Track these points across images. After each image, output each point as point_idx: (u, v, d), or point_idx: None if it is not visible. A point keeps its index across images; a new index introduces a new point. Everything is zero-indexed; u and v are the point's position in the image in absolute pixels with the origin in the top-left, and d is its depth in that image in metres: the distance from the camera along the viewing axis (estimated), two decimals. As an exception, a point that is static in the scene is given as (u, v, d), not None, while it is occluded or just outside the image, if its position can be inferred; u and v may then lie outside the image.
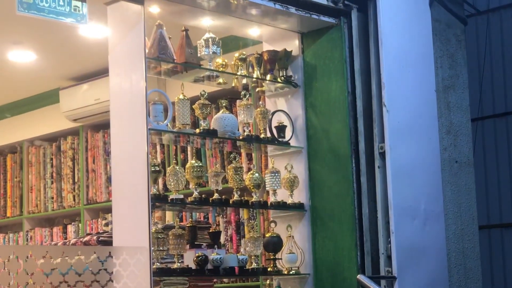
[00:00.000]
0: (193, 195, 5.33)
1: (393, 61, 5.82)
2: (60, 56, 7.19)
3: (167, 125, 5.28)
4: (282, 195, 5.84)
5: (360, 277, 5.46)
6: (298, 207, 5.86)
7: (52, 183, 8.44)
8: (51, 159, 8.50)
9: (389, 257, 5.63)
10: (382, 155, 5.74)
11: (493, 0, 9.81)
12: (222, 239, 6.46)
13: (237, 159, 5.74)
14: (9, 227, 8.92)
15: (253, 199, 5.67)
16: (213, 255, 5.34)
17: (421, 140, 5.98)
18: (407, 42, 5.98)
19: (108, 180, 7.75)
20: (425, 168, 5.97)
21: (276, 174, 5.78)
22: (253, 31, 6.06)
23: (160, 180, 5.33)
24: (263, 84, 6.00)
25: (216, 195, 5.47)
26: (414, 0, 6.11)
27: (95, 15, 5.15)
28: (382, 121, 5.75)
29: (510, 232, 9.77)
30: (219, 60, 5.62)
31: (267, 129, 5.84)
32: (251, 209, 6.09)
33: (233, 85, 5.91)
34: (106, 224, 7.66)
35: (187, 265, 5.26)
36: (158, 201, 5.17)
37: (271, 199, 5.80)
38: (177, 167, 5.37)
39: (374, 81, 5.82)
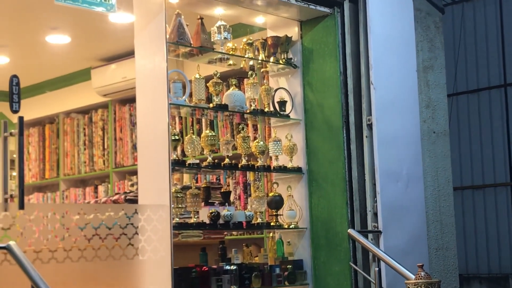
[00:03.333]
0: (207, 160, 5.35)
1: (379, 45, 5.82)
2: (91, 39, 7.17)
3: (185, 100, 5.28)
4: (283, 160, 5.86)
5: (350, 231, 5.53)
6: (297, 170, 5.89)
7: (84, 149, 8.45)
8: (84, 128, 8.50)
9: (375, 214, 5.67)
10: (370, 126, 5.76)
11: (468, -9, 9.79)
12: (231, 198, 6.46)
13: (244, 129, 5.78)
14: (47, 187, 8.95)
15: (258, 164, 5.72)
16: (224, 211, 5.38)
17: (403, 114, 5.99)
18: (392, 29, 5.96)
19: (134, 147, 7.78)
20: (407, 138, 5.98)
21: (278, 142, 5.80)
22: (259, 19, 6.05)
23: (179, 147, 5.34)
24: (267, 65, 5.99)
25: (227, 160, 5.50)
26: (399, -8, 6.11)
27: (122, 4, 5.16)
28: (369, 97, 5.76)
29: (480, 192, 9.83)
30: (229, 45, 5.62)
31: (271, 103, 5.84)
32: (256, 172, 6.12)
33: (242, 66, 5.91)
34: (132, 185, 7.69)
35: (202, 220, 5.30)
36: (177, 165, 5.19)
37: (274, 163, 5.83)
38: (194, 136, 5.39)
39: (363, 63, 5.82)
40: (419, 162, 6.08)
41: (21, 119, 4.19)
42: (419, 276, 4.60)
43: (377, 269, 5.33)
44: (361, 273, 5.59)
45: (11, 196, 4.19)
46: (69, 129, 8.64)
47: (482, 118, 9.85)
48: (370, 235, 5.63)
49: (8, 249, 3.79)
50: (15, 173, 4.25)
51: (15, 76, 4.28)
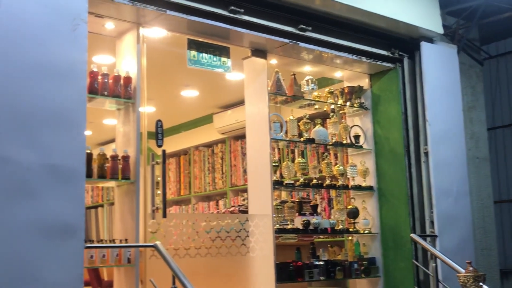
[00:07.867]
0: (300, 181, 5.33)
1: (432, 91, 5.68)
2: (213, 92, 7.28)
3: (282, 136, 5.29)
4: (358, 180, 5.78)
5: (412, 235, 5.38)
6: (369, 188, 5.78)
7: (208, 173, 8.54)
8: (208, 158, 8.60)
9: (432, 222, 5.50)
10: (426, 154, 5.61)
11: (501, 47, 9.44)
12: (319, 209, 6.41)
13: (327, 157, 5.73)
14: (182, 201, 9.07)
15: (339, 183, 5.64)
16: (313, 220, 5.33)
17: (452, 144, 5.80)
18: (442, 78, 5.82)
19: (244, 171, 7.81)
20: (456, 162, 5.79)
21: (354, 167, 5.72)
22: (338, 74, 6.03)
23: (278, 171, 5.31)
24: (345, 108, 5.94)
25: (314, 181, 5.46)
26: (447, 50, 5.93)
27: (236, 66, 5.23)
28: (425, 131, 5.63)
29: (515, 205, 9.35)
30: (315, 93, 5.61)
31: (348, 137, 5.79)
32: (337, 190, 6.03)
33: (325, 109, 5.87)
34: (243, 200, 7.71)
35: (297, 227, 5.27)
36: (277, 184, 5.18)
37: (351, 183, 5.76)
38: (289, 163, 5.38)
39: (420, 105, 5.70)
40: (466, 181, 5.86)
41: (163, 152, 4.29)
42: (468, 270, 4.38)
43: (434, 265, 5.16)
44: (421, 268, 5.41)
45: (157, 208, 4.28)
46: (197, 158, 8.77)
47: (515, 146, 9.41)
48: (428, 239, 5.46)
49: (155, 247, 3.86)
50: (159, 191, 4.35)
51: (159, 120, 4.40)
